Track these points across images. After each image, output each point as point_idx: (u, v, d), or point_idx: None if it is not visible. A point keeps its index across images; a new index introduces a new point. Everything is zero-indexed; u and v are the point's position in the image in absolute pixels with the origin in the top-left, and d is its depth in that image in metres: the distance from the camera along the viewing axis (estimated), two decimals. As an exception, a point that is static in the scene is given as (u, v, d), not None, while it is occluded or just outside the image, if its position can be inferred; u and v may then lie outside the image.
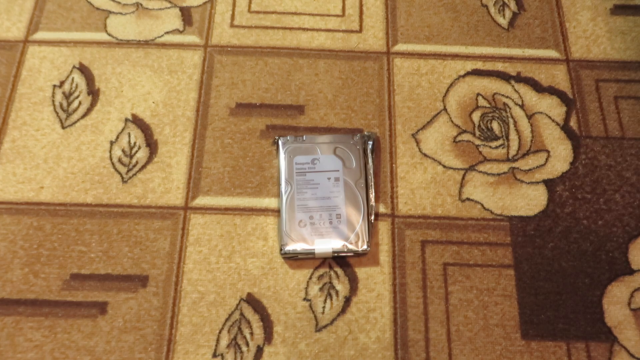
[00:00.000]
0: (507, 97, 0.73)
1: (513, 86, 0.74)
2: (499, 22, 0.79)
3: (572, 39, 0.77)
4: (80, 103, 0.72)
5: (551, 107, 0.73)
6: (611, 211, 0.67)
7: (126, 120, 0.71)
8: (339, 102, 0.73)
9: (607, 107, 0.73)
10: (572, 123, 0.72)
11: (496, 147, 0.70)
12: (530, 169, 0.69)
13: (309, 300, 0.62)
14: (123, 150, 0.69)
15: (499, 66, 0.75)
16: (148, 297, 0.62)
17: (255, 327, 0.61)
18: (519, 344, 0.61)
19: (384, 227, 0.66)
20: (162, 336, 0.60)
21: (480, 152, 0.70)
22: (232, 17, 0.78)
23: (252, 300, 0.62)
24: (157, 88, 0.73)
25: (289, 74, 0.74)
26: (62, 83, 0.73)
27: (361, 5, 0.79)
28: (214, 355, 0.60)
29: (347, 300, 0.62)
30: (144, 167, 0.68)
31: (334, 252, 0.63)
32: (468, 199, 0.68)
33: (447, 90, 0.74)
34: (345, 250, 0.63)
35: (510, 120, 0.72)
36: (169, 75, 0.74)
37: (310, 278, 0.63)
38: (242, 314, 0.62)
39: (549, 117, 0.72)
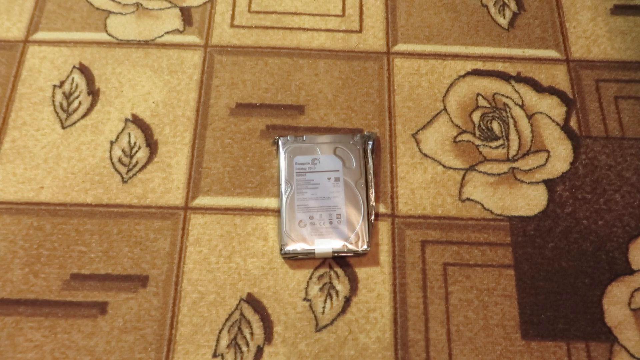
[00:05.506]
0: (507, 97, 0.73)
1: (513, 86, 0.74)
2: (499, 22, 0.79)
3: (572, 39, 0.77)
4: (80, 103, 0.72)
5: (551, 107, 0.73)
6: (611, 211, 0.67)
7: (126, 120, 0.71)
8: (339, 102, 0.73)
9: (607, 107, 0.73)
10: (572, 123, 0.72)
11: (496, 147, 0.70)
12: (530, 169, 0.69)
13: (309, 300, 0.62)
14: (123, 150, 0.69)
15: (499, 66, 0.75)
16: (148, 297, 0.62)
17: (255, 327, 0.61)
18: (519, 344, 0.61)
19: (384, 227, 0.66)
20: (162, 336, 0.60)
21: (480, 152, 0.70)
22: (232, 17, 0.78)
23: (252, 300, 0.62)
24: (157, 88, 0.73)
25: (289, 74, 0.74)
26: (62, 83, 0.73)
27: (361, 5, 0.79)
28: (214, 355, 0.60)
29: (347, 300, 0.62)
30: (144, 167, 0.68)
31: (334, 252, 0.63)
32: (468, 199, 0.68)
33: (447, 90, 0.74)
34: (345, 250, 0.63)
35: (510, 120, 0.72)
36: (169, 75, 0.74)
37: (310, 278, 0.63)
38: (242, 314, 0.62)
39: (549, 117, 0.72)
